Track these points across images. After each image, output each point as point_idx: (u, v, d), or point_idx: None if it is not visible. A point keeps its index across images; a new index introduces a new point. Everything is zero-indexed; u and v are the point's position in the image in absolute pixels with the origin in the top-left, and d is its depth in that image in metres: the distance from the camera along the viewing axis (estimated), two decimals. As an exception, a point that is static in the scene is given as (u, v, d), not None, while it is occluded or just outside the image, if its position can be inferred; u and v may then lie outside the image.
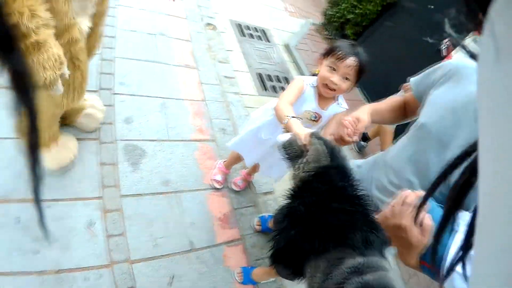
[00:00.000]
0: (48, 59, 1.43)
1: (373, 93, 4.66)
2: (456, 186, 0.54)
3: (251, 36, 4.81)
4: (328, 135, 1.77)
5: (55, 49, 1.45)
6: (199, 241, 2.39)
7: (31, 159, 0.41)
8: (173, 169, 2.64)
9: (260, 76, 4.21)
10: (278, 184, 3.05)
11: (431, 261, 0.97)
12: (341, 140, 1.51)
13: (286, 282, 2.61)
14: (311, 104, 1.94)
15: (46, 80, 1.46)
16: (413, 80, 1.61)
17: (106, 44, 3.12)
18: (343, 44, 1.83)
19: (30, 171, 0.41)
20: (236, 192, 2.80)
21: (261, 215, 2.77)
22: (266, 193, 2.99)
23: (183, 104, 3.15)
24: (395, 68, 4.36)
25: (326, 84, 1.84)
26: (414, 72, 1.71)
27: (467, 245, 0.54)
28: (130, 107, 2.82)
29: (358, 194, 1.16)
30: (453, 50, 3.35)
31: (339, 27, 5.70)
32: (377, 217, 1.31)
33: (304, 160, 1.26)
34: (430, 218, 1.02)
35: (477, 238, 0.27)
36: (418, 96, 1.56)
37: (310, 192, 1.18)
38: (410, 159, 1.44)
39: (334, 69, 1.81)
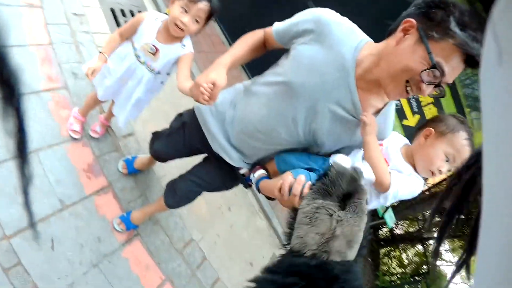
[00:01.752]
0: None
1: (233, 33, 4.71)
2: (462, 181, 0.54)
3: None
4: (183, 79, 1.87)
5: None
6: (69, 197, 2.36)
7: (20, 160, 0.41)
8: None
9: (113, 11, 3.82)
10: (137, 125, 3.07)
11: None
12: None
13: (161, 216, 2.79)
14: (149, 37, 2.02)
15: None
16: (276, 29, 1.61)
17: None
18: None
19: (19, 172, 0.41)
20: (96, 139, 2.73)
21: (125, 158, 2.82)
22: (126, 136, 3.00)
23: (29, 51, 2.72)
24: (254, 5, 4.46)
25: (177, 24, 1.91)
26: (273, 11, 1.75)
27: (470, 248, 0.52)
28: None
29: None
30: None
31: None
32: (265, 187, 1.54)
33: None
34: None
35: (481, 237, 0.27)
36: (282, 43, 1.60)
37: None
38: (278, 113, 1.51)
39: (186, 11, 1.90)
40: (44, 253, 2.07)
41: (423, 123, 1.59)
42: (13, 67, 0.37)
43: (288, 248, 0.85)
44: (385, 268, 12.98)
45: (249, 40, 1.69)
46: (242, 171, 1.83)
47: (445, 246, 13.47)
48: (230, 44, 1.78)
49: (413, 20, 1.24)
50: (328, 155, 1.58)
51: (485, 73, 0.26)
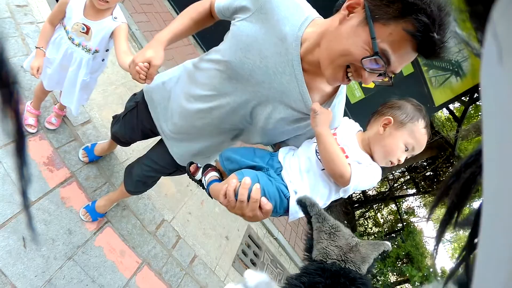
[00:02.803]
0: None
1: (181, 3, 4.62)
2: (461, 179, 0.53)
3: None
4: (122, 55, 1.83)
5: None
6: (33, 192, 2.33)
7: (19, 161, 0.40)
8: (-22, 127, 2.31)
9: (56, -3, 3.66)
10: (93, 111, 3.04)
11: None
12: None
13: (129, 201, 2.78)
14: (78, 16, 1.97)
15: None
16: (217, 5, 1.49)
17: None
18: None
19: (17, 173, 0.40)
20: (52, 131, 2.67)
21: (84, 146, 2.78)
22: (83, 124, 2.94)
23: (-26, 50, 2.59)
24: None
25: None
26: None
27: (470, 246, 0.53)
28: None
29: None
30: None
31: None
32: (213, 192, 1.42)
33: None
34: (267, 201, 1.16)
35: (482, 238, 0.27)
36: (225, 18, 1.49)
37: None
38: (220, 91, 1.44)
39: None
40: (17, 253, 2.05)
41: (378, 109, 1.46)
42: (11, 69, 0.35)
43: (311, 260, 0.96)
44: (361, 229, 13.43)
45: (191, 13, 1.60)
46: (197, 177, 1.62)
47: (417, 202, 14.03)
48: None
49: None
50: (276, 149, 1.51)
51: (485, 73, 0.26)
